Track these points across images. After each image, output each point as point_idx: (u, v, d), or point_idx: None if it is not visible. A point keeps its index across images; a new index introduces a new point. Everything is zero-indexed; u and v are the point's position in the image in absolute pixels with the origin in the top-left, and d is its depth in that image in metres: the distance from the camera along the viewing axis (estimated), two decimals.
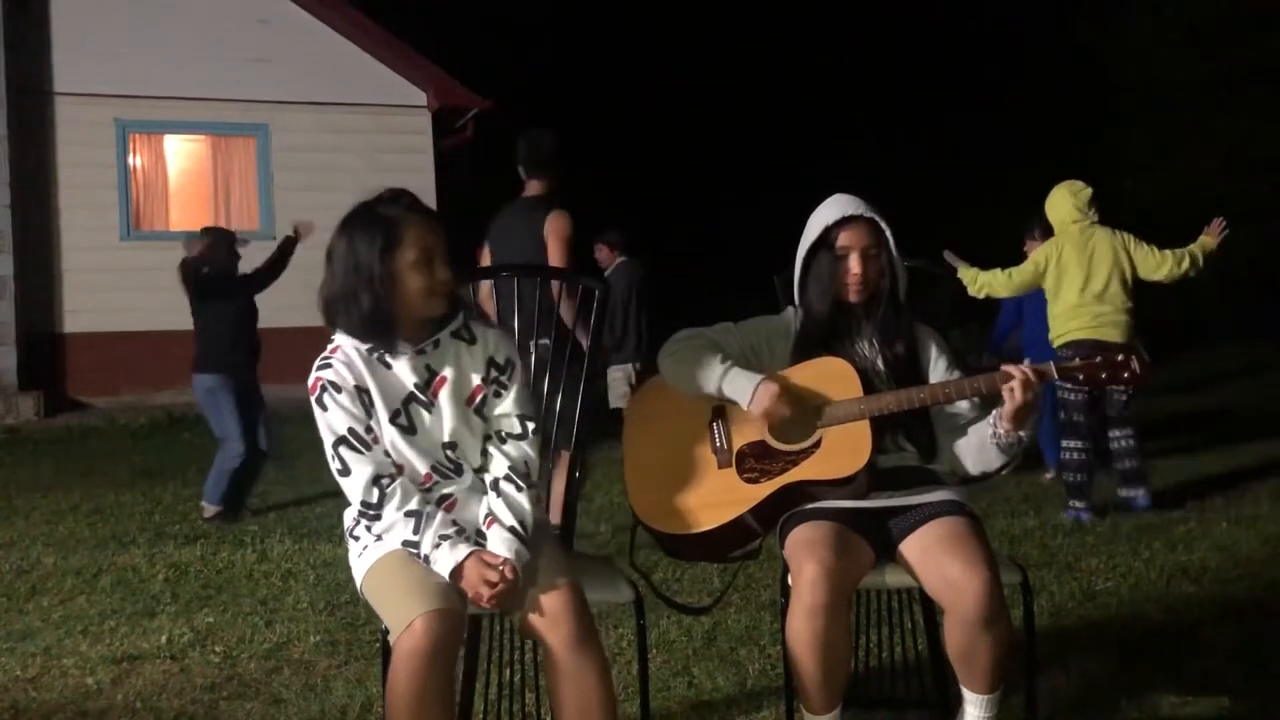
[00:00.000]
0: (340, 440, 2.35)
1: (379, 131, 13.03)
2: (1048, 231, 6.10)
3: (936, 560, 2.44)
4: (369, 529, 2.38)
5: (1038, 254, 5.89)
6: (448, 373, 2.43)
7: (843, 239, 2.66)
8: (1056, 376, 2.54)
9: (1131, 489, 5.70)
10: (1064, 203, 5.83)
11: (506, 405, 2.49)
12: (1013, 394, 2.48)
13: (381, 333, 2.36)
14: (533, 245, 4.77)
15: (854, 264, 2.65)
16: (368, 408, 2.38)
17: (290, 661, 3.68)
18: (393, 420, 2.39)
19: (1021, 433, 2.54)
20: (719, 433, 2.68)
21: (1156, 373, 2.58)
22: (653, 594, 2.80)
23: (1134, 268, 5.74)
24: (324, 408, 2.36)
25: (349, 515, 2.48)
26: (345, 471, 2.36)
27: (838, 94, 22.24)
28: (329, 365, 2.38)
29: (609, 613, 3.60)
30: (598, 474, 6.34)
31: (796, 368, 2.69)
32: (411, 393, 2.41)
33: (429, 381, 2.42)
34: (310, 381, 2.38)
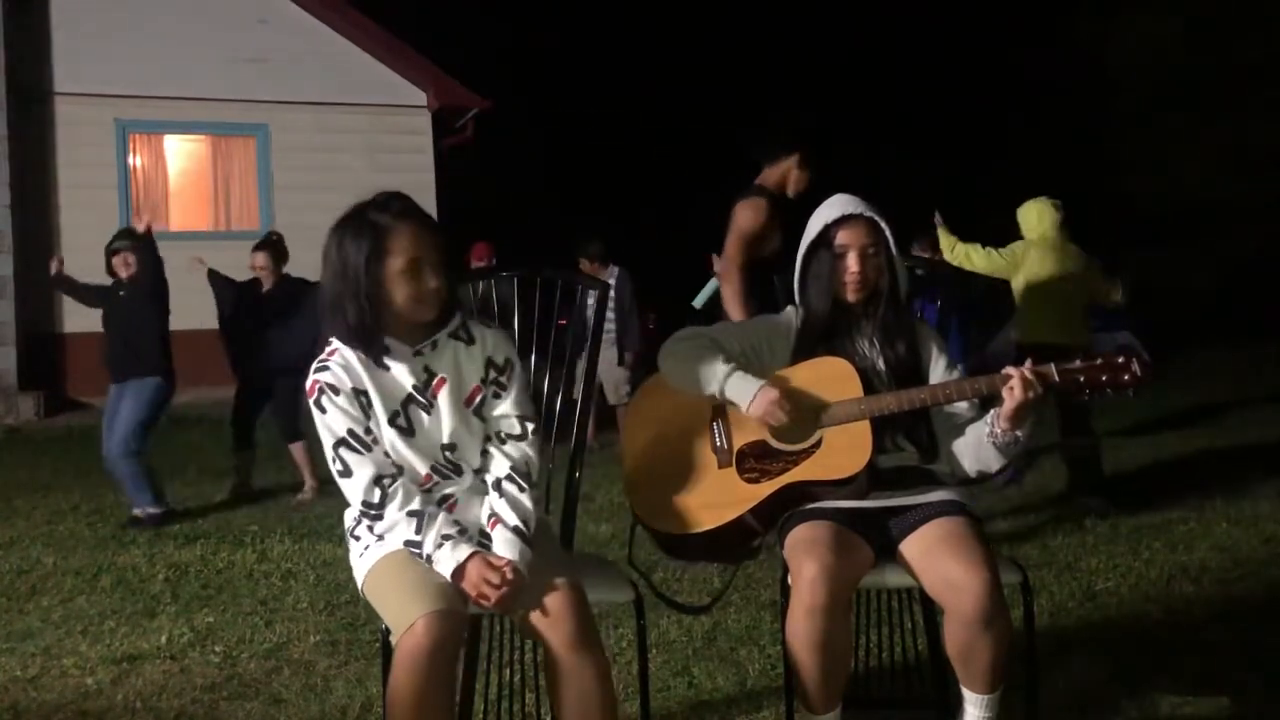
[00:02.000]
0: (340, 442, 2.36)
1: (379, 131, 13.03)
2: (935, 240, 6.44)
3: (936, 560, 2.44)
4: (370, 529, 2.38)
5: (1016, 246, 6.14)
6: (446, 374, 2.43)
7: (841, 237, 2.67)
8: (1057, 378, 2.53)
9: (1089, 495, 5.80)
10: (1045, 215, 6.08)
11: (506, 406, 2.49)
12: (1012, 393, 2.49)
13: (367, 342, 2.36)
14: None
15: (852, 262, 2.66)
16: (366, 409, 2.38)
17: (290, 661, 3.68)
18: (391, 422, 2.39)
19: (1019, 432, 2.54)
20: (719, 432, 2.68)
21: (1157, 372, 2.57)
22: (653, 594, 2.80)
23: (1093, 287, 6.05)
24: (323, 410, 2.36)
25: (350, 515, 2.48)
26: (346, 473, 2.36)
27: (837, 95, 22.24)
28: (326, 368, 2.38)
29: (609, 613, 3.59)
30: (598, 474, 6.34)
31: (797, 367, 2.69)
32: (410, 394, 2.41)
33: (428, 383, 2.42)
34: (308, 384, 2.38)
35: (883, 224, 2.68)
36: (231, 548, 5.39)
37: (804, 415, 2.61)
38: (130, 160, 12.32)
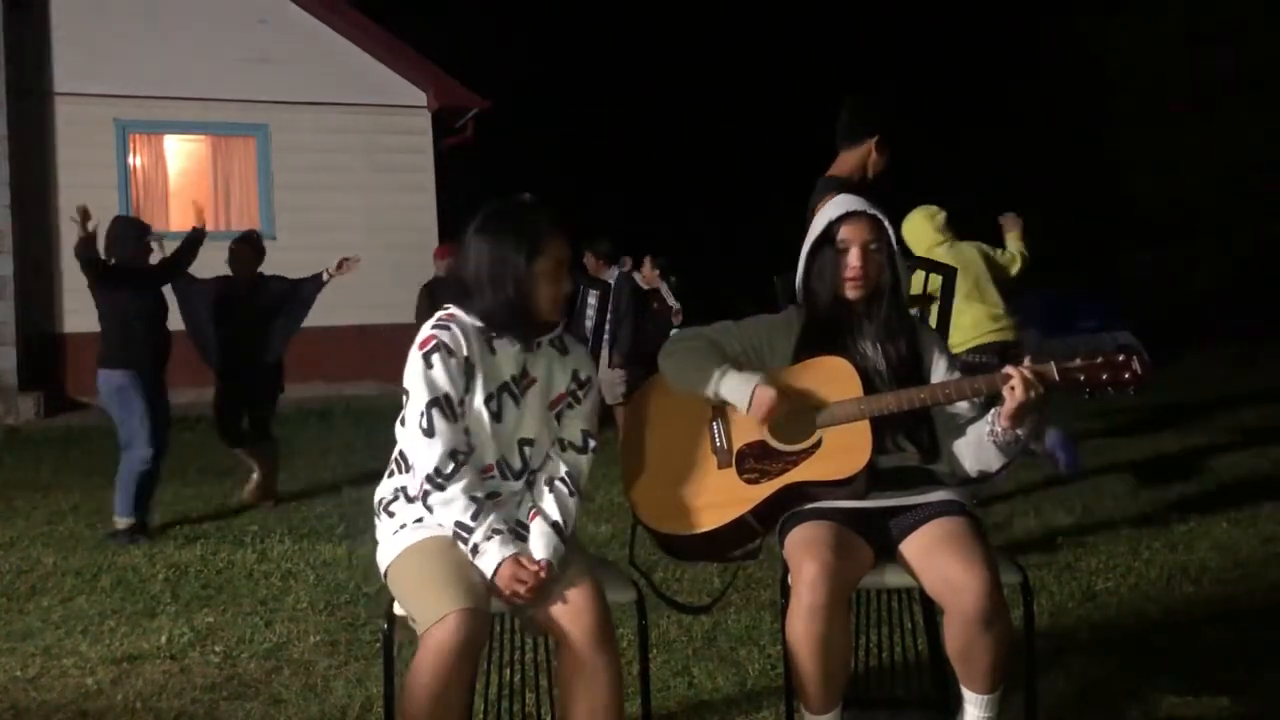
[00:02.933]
0: (436, 401, 2.39)
1: (379, 131, 13.03)
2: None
3: (936, 560, 2.44)
4: (425, 499, 2.39)
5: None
6: (539, 375, 2.53)
7: (843, 233, 2.68)
8: (1056, 377, 2.53)
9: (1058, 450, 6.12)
10: (924, 226, 5.97)
11: (578, 419, 2.60)
12: (1013, 392, 2.49)
13: (518, 321, 2.46)
14: None
15: (854, 258, 2.66)
16: (469, 381, 2.43)
17: (290, 661, 3.68)
18: (485, 402, 2.45)
19: (1019, 431, 2.54)
20: (719, 433, 2.68)
21: (1157, 371, 2.57)
22: (653, 594, 2.80)
23: (998, 271, 5.94)
24: (429, 365, 2.40)
25: (386, 488, 2.51)
26: (430, 433, 2.38)
27: (835, 95, 22.25)
28: (447, 328, 2.44)
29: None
30: (598, 474, 6.32)
31: (797, 367, 2.69)
32: (506, 382, 2.48)
33: (520, 379, 2.51)
34: (423, 336, 2.43)
35: (885, 222, 2.69)
36: (231, 548, 5.39)
37: (804, 415, 2.61)
38: (130, 160, 12.32)
